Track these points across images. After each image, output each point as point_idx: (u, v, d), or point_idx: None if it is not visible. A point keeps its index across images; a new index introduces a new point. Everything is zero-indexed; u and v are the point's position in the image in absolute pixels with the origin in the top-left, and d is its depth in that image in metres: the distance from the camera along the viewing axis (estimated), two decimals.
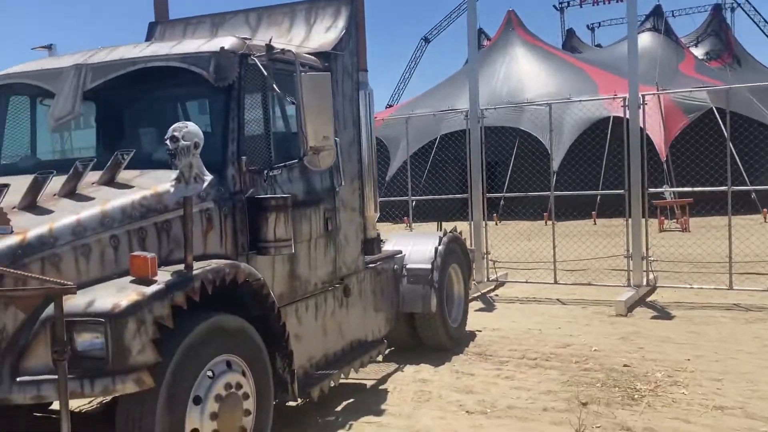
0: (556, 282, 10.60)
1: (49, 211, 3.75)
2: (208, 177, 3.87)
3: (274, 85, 4.59)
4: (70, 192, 3.96)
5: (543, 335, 8.06)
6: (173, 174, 3.86)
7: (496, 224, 19.10)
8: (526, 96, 24.91)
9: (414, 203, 12.87)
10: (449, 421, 5.39)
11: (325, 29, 6.02)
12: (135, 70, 4.62)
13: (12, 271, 3.10)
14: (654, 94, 16.03)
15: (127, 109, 5.22)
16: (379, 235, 6.59)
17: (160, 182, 4.15)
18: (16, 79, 5.07)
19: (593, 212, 20.11)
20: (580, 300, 9.90)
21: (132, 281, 3.61)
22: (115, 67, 4.65)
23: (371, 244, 6.36)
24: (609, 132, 20.48)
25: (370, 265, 6.40)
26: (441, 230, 8.04)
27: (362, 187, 6.23)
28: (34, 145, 5.52)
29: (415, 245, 7.37)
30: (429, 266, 7.12)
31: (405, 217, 15.89)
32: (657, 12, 33.53)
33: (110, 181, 4.14)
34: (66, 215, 3.70)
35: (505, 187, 21.24)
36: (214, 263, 4.05)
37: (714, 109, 19.58)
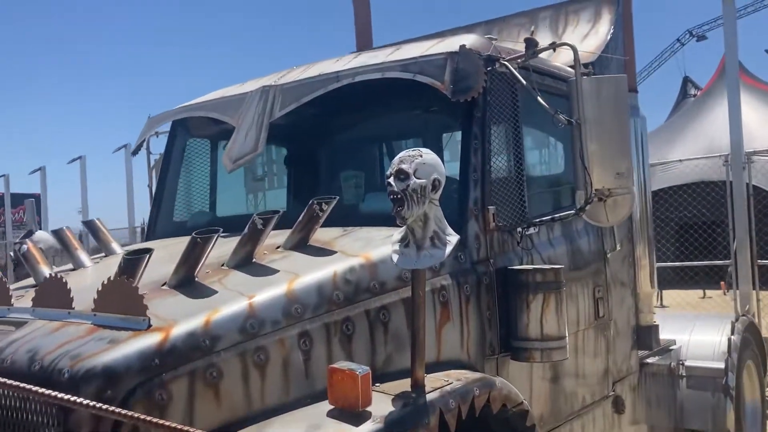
0: None
1: (210, 291, 2.41)
2: (453, 237, 2.34)
3: (539, 98, 3.01)
4: (245, 260, 2.62)
5: None
6: (395, 232, 2.40)
7: (725, 293, 15.91)
8: (753, 145, 21.44)
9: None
10: None
11: (581, 37, 4.40)
12: (338, 89, 3.28)
13: (122, 413, 1.70)
14: None
15: (326, 147, 3.90)
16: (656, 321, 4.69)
17: (373, 245, 2.70)
18: (190, 112, 3.97)
19: None
20: None
21: (331, 413, 2.13)
22: (311, 87, 3.35)
23: (647, 335, 4.48)
24: None
25: (644, 361, 4.52)
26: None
27: (633, 253, 4.42)
28: (214, 200, 4.40)
29: (694, 332, 5.31)
30: (721, 365, 5.03)
31: None
32: None
33: (302, 244, 2.75)
34: (234, 298, 2.33)
35: (733, 251, 17.90)
36: (456, 377, 2.49)
37: None
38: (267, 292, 2.34)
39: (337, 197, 2.67)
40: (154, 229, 4.26)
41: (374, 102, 3.42)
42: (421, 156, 2.29)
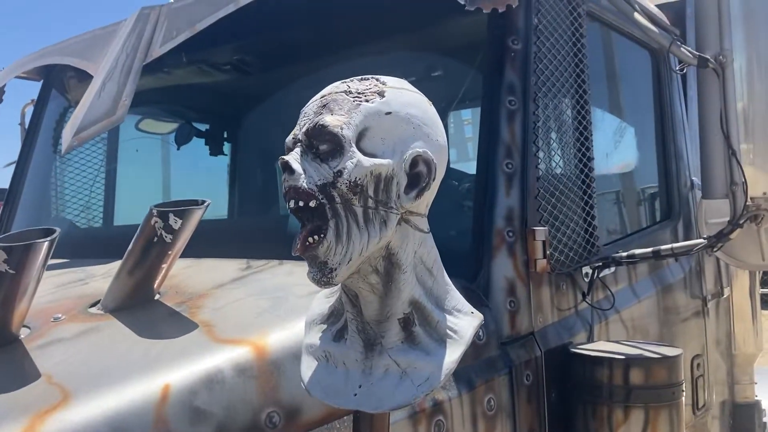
0: None
1: None
2: (468, 321, 0.85)
3: (638, 16, 1.53)
4: None
5: None
6: (315, 297, 0.92)
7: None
8: None
9: None
10: None
11: None
12: (263, 10, 1.80)
13: None
14: None
15: (252, 115, 2.42)
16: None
17: (284, 310, 1.22)
18: (42, 59, 2.48)
19: None
20: None
21: None
22: (213, 5, 1.87)
23: (747, 417, 3.00)
24: None
25: None
26: None
27: (731, 294, 2.94)
28: (110, 199, 2.95)
29: None
30: None
31: None
32: None
33: (140, 297, 1.27)
34: None
35: None
36: None
37: None
38: None
39: (207, 202, 1.20)
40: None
41: (324, 31, 1.95)
42: (381, 93, 0.82)
